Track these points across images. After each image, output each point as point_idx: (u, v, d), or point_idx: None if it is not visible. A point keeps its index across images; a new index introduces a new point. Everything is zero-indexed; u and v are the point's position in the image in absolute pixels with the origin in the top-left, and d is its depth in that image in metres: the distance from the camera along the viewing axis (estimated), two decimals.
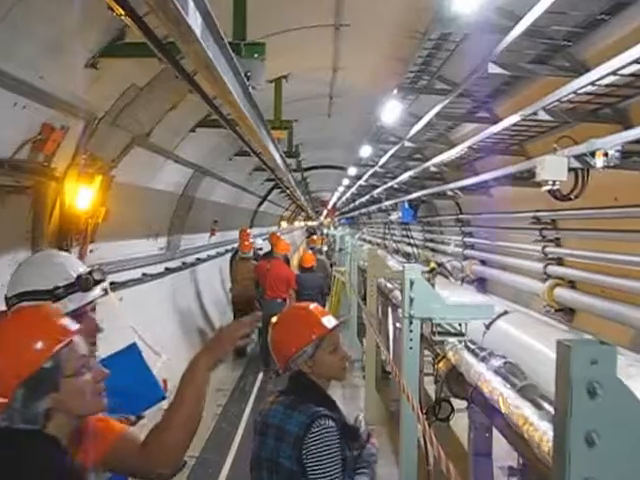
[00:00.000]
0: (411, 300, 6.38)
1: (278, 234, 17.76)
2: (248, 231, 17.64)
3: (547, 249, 10.84)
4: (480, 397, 5.15)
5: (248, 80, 6.46)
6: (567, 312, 10.22)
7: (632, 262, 8.13)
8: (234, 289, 16.47)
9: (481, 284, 14.99)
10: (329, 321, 3.83)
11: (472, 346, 6.15)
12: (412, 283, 6.37)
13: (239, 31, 6.89)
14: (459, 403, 6.08)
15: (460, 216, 16.85)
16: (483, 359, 5.68)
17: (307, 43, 10.80)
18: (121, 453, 2.68)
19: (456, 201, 16.25)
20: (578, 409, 2.25)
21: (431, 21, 8.14)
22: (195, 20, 4.13)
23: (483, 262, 15.12)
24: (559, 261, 10.70)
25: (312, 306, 3.95)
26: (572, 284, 10.26)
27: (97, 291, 3.16)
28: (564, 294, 10.16)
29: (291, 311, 4.20)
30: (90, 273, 3.10)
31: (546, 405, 4.42)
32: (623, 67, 5.58)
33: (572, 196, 7.70)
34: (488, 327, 7.31)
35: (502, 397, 4.60)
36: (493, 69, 7.44)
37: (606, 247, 8.86)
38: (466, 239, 16.68)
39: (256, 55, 6.63)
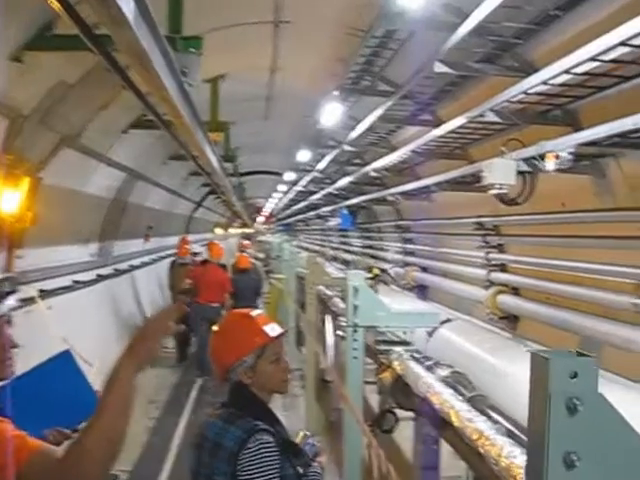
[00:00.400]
0: (355, 308, 6.17)
1: (215, 241, 17.91)
2: (188, 238, 17.89)
3: (490, 255, 10.73)
4: (429, 409, 4.97)
5: (184, 76, 6.15)
6: (511, 319, 10.11)
7: (578, 268, 8.02)
8: (175, 296, 16.42)
9: (421, 291, 14.89)
10: (272, 329, 3.57)
11: (418, 355, 6.00)
12: (356, 290, 6.16)
13: (175, 24, 6.59)
14: (401, 413, 5.93)
15: (400, 222, 16.74)
16: (429, 368, 5.52)
17: (245, 41, 10.50)
18: (37, 469, 2.36)
19: (396, 207, 16.14)
20: (556, 428, 2.01)
21: (375, 18, 7.94)
22: (127, 4, 3.83)
23: (424, 269, 15.02)
24: (502, 267, 10.59)
25: (255, 313, 3.68)
26: (516, 291, 10.15)
27: (10, 303, 2.81)
28: (508, 301, 10.04)
29: (232, 318, 3.89)
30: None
31: (497, 417, 4.26)
32: (578, 65, 5.41)
33: (520, 200, 7.57)
34: (431, 335, 7.15)
35: (454, 410, 4.40)
36: (440, 68, 7.25)
37: (551, 253, 8.75)
38: (406, 246, 16.58)
39: (193, 49, 6.33)
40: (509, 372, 5.74)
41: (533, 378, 2.10)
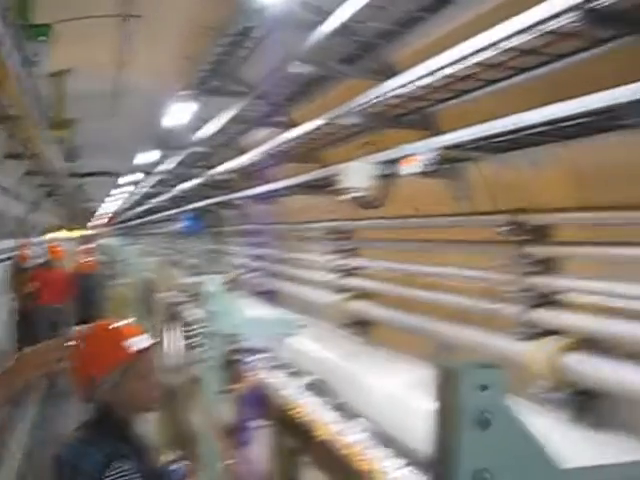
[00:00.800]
0: (212, 314, 5.94)
1: (56, 244, 17.71)
2: (27, 242, 17.76)
3: (342, 260, 10.63)
4: (290, 420, 4.80)
5: (34, 66, 5.78)
6: (363, 325, 10.04)
7: (433, 273, 7.99)
8: (17, 300, 16.03)
9: (269, 297, 14.73)
10: (140, 342, 3.27)
11: (276, 363, 5.85)
12: (213, 296, 5.93)
13: (23, 12, 6.18)
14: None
15: (247, 227, 16.55)
16: (290, 377, 5.37)
17: (92, 35, 10.07)
18: None
19: (243, 211, 15.97)
20: (467, 444, 1.85)
21: (229, 16, 7.73)
22: None
23: (272, 274, 14.87)
24: (354, 272, 10.51)
25: (120, 324, 3.38)
26: (368, 296, 10.09)
27: None
28: (359, 306, 9.96)
29: (94, 330, 3.56)
30: None
31: (367, 427, 4.14)
32: (441, 68, 5.34)
33: (376, 204, 7.50)
34: (283, 342, 6.99)
35: (322, 421, 4.23)
36: (296, 68, 7.11)
37: (405, 258, 8.70)
38: (254, 250, 16.40)
39: (43, 37, 5.96)
40: (363, 378, 5.65)
41: (440, 392, 1.94)
